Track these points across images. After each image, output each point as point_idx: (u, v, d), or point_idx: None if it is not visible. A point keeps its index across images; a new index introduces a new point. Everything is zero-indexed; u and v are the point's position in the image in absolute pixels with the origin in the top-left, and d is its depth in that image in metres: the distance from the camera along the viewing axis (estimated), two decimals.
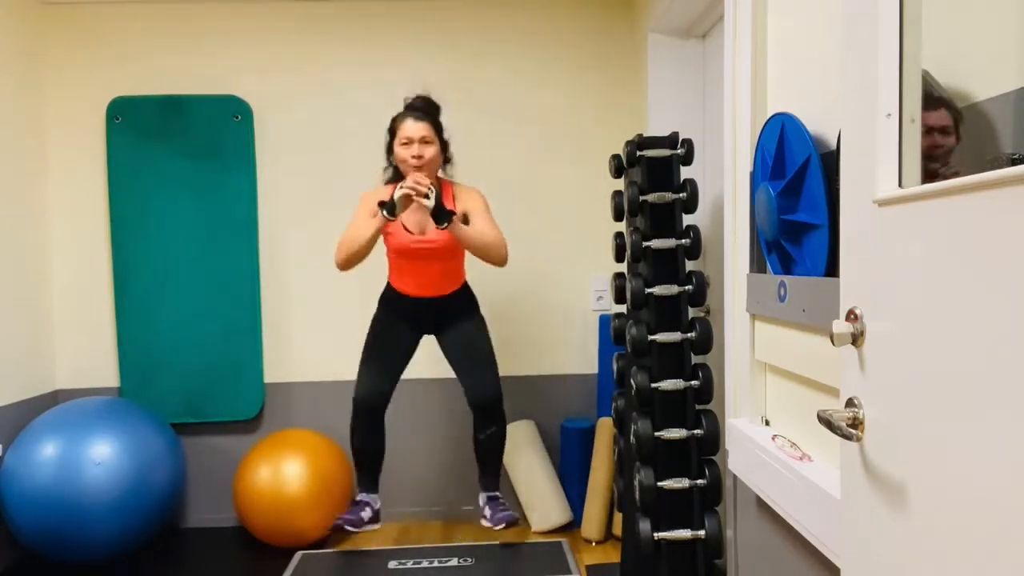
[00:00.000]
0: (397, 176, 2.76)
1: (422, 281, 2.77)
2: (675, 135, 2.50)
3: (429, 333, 2.91)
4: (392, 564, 2.78)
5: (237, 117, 3.51)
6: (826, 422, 1.08)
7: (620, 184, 2.86)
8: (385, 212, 2.56)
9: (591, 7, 3.61)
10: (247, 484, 3.20)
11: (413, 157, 2.61)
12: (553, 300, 3.66)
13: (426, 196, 2.51)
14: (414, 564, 2.78)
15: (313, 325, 3.62)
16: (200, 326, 3.51)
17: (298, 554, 2.99)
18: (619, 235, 2.62)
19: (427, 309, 2.82)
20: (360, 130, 3.59)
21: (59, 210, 3.56)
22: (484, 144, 3.61)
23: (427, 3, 3.58)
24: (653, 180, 2.47)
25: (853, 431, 1.06)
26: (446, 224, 2.55)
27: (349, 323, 3.55)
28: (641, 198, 2.44)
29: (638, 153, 2.49)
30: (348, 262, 2.69)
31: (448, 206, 2.66)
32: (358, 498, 2.94)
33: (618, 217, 2.62)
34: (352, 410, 2.83)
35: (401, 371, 2.87)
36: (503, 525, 2.76)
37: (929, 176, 1.02)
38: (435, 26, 3.59)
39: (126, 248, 3.50)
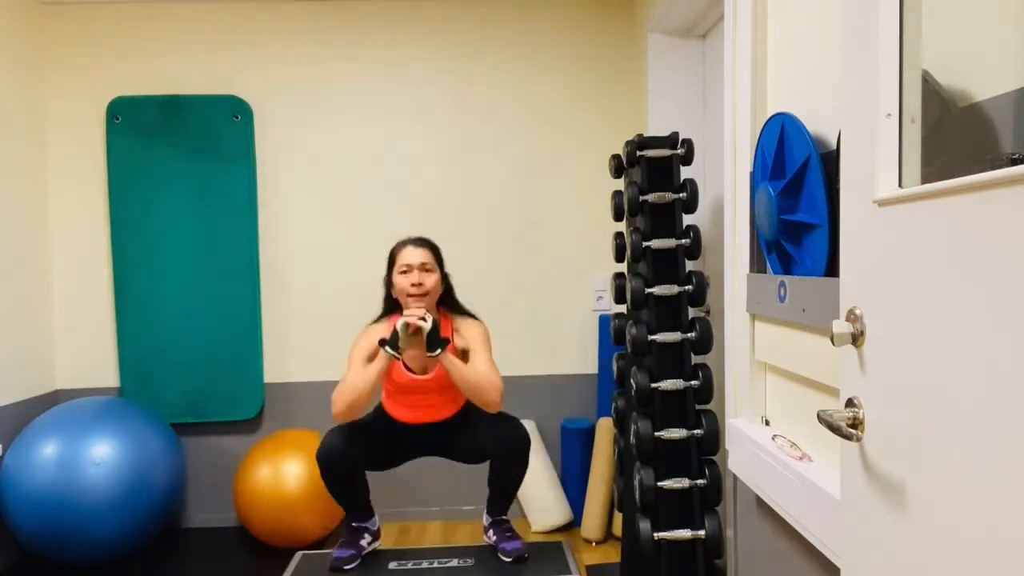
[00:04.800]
0: (391, 309, 2.61)
1: (420, 412, 2.58)
2: (675, 135, 2.50)
3: (430, 455, 2.68)
4: (392, 564, 2.78)
5: (237, 117, 3.51)
6: (826, 422, 1.08)
7: (620, 184, 2.86)
8: (388, 348, 2.37)
9: (591, 7, 3.61)
10: (247, 484, 3.20)
11: (413, 285, 2.45)
12: (553, 300, 3.66)
13: (423, 320, 2.37)
14: (414, 564, 2.78)
15: (313, 325, 3.62)
16: (200, 326, 3.51)
17: (298, 554, 2.99)
18: (619, 235, 2.62)
19: (425, 433, 2.62)
20: (360, 130, 3.60)
21: (59, 210, 3.56)
22: (484, 144, 3.61)
23: (427, 3, 3.58)
24: (653, 180, 2.47)
25: (853, 431, 1.06)
26: (438, 351, 2.37)
27: (349, 323, 3.55)
28: (641, 198, 2.44)
29: (638, 153, 2.49)
30: (351, 409, 2.42)
31: (446, 337, 2.49)
32: (354, 524, 2.67)
33: (618, 217, 2.62)
34: (318, 465, 2.50)
35: (382, 461, 2.62)
36: (510, 559, 2.57)
37: None
38: (435, 26, 3.59)
39: (126, 248, 3.50)
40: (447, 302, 2.62)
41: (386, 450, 2.63)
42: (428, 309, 2.49)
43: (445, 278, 2.60)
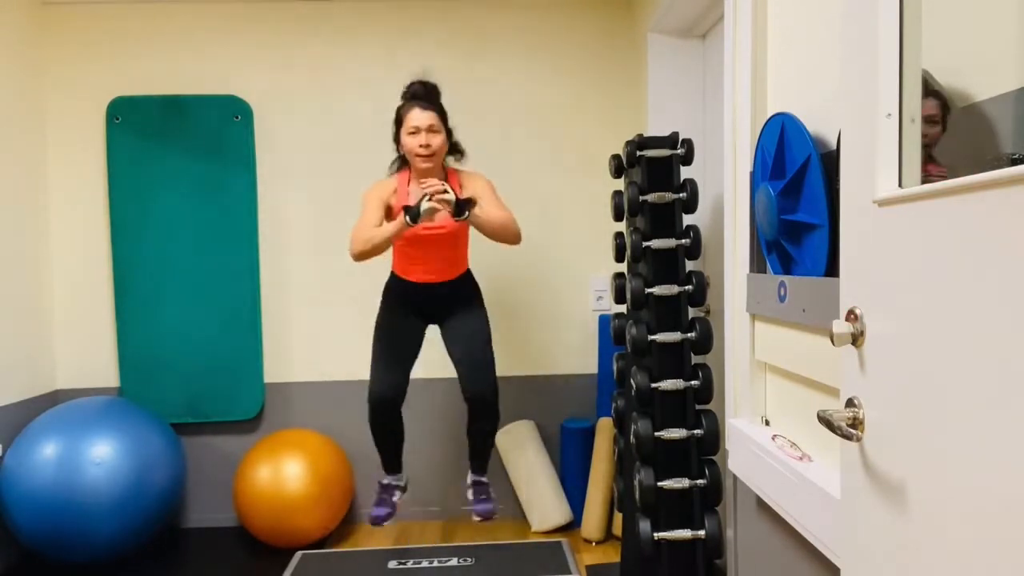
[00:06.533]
0: (401, 165, 2.78)
1: (428, 267, 2.76)
2: (675, 135, 2.50)
3: (433, 322, 2.88)
4: (392, 564, 2.78)
5: (237, 117, 3.51)
6: (826, 422, 1.08)
7: (620, 184, 2.86)
8: (408, 219, 2.51)
9: (591, 7, 3.61)
10: (247, 484, 3.20)
11: (421, 146, 2.61)
12: (553, 300, 3.66)
13: (446, 193, 2.48)
14: (414, 564, 2.78)
15: (313, 325, 3.62)
16: (200, 326, 3.51)
17: (298, 554, 2.99)
18: (619, 235, 2.62)
19: (432, 295, 2.80)
20: (360, 130, 3.59)
21: (59, 210, 3.56)
22: (484, 144, 3.61)
23: (427, 3, 3.58)
24: (653, 180, 2.47)
25: (853, 431, 1.06)
26: (466, 214, 2.51)
27: (349, 323, 3.55)
28: (641, 198, 2.44)
29: (638, 153, 2.49)
30: (363, 255, 2.62)
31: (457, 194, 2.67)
32: (384, 481, 2.97)
33: (618, 217, 2.62)
34: (368, 407, 2.80)
35: (412, 363, 2.85)
36: (479, 518, 2.86)
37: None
38: (435, 26, 3.59)
39: (126, 248, 3.50)
40: (450, 155, 2.76)
41: (409, 341, 2.82)
42: (436, 168, 2.65)
43: (449, 134, 2.71)
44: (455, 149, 2.79)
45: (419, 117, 2.62)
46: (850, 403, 1.08)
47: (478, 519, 2.87)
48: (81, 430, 2.96)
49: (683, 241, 2.43)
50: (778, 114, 1.67)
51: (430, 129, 2.62)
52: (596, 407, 3.60)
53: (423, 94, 2.69)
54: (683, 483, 2.31)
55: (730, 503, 2.16)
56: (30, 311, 3.39)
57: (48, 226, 3.55)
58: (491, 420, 2.83)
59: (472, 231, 2.82)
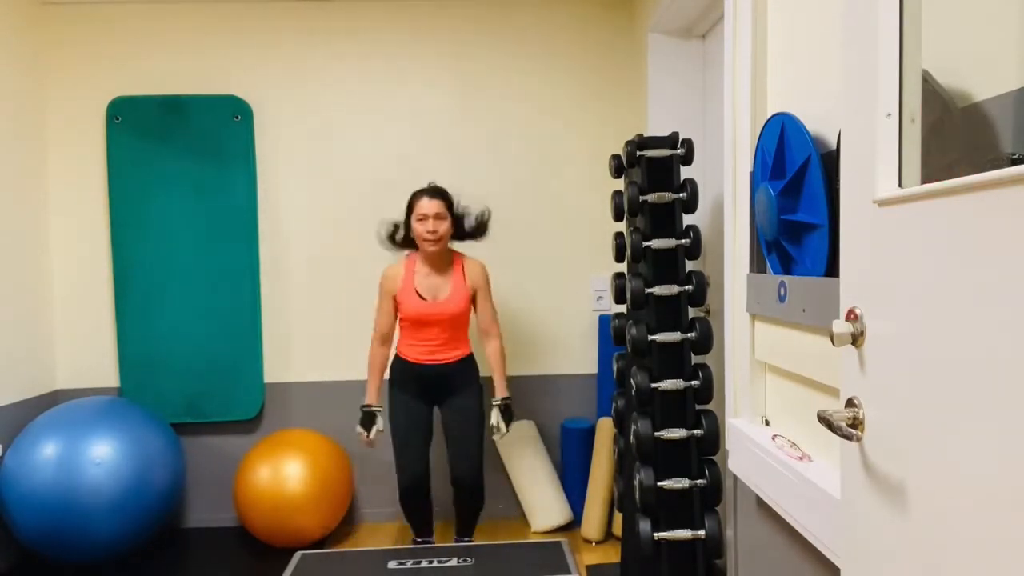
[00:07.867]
0: (406, 245, 3.04)
1: (431, 347, 2.99)
2: (675, 135, 2.50)
3: (436, 404, 3.09)
4: (392, 564, 2.78)
5: (237, 117, 3.51)
6: (826, 422, 1.08)
7: (620, 184, 2.86)
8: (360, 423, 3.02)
9: (591, 7, 3.61)
10: (247, 484, 3.20)
11: (428, 232, 2.89)
12: (553, 300, 3.66)
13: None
14: (413, 564, 2.78)
15: (313, 325, 3.62)
16: (200, 326, 3.51)
17: (298, 554, 2.99)
18: (619, 235, 2.62)
19: (433, 376, 3.00)
20: (360, 130, 3.59)
21: (59, 210, 3.56)
22: (484, 144, 3.61)
23: (427, 4, 3.58)
24: (653, 180, 2.47)
25: (853, 431, 1.06)
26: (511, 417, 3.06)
27: (349, 324, 3.56)
28: (641, 198, 2.44)
29: (638, 153, 2.49)
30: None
31: (458, 277, 3.00)
32: (418, 539, 3.16)
33: (618, 217, 2.62)
34: (399, 493, 3.03)
35: (429, 444, 3.06)
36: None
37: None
38: (435, 26, 3.59)
39: (126, 248, 3.50)
40: (456, 237, 3.06)
41: (421, 426, 3.04)
42: (442, 250, 2.97)
43: (455, 221, 3.01)
44: (463, 233, 3.06)
45: (427, 205, 2.91)
46: (850, 403, 1.08)
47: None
48: (81, 430, 2.96)
49: (683, 241, 2.43)
50: (778, 114, 1.67)
51: (436, 216, 2.91)
52: (596, 407, 3.60)
53: (431, 188, 2.99)
54: (683, 483, 2.31)
55: (730, 503, 2.16)
56: (30, 311, 3.39)
57: (48, 226, 3.55)
58: (476, 500, 3.05)
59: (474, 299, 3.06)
